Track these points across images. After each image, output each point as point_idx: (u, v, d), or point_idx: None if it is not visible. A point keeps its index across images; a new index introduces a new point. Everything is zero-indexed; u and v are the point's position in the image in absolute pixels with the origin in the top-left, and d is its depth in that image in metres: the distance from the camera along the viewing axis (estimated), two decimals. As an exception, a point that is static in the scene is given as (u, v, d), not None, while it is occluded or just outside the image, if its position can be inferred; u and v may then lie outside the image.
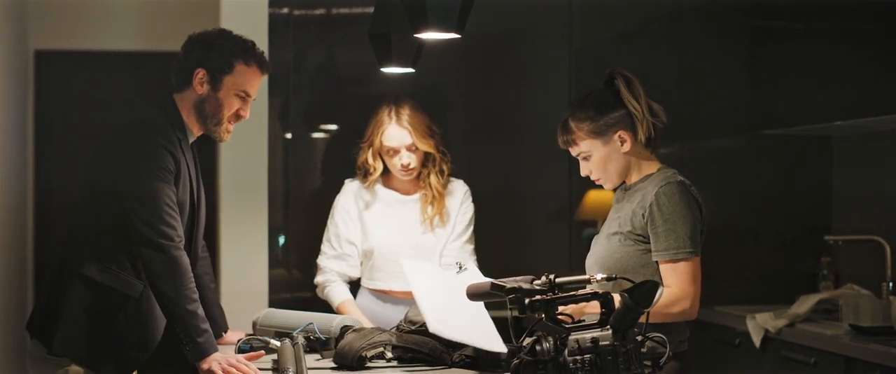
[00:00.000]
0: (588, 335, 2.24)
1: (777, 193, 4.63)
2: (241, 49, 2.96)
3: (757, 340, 3.95)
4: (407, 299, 3.67)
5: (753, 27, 4.60)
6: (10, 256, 4.90)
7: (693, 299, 2.77)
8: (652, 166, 2.92)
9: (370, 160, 3.67)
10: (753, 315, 4.01)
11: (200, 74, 2.93)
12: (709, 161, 4.65)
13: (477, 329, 2.86)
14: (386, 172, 3.71)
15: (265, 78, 3.07)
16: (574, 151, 2.93)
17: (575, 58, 4.57)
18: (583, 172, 2.95)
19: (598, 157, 2.90)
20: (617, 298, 2.28)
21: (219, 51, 2.93)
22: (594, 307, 2.36)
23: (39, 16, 5.29)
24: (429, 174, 3.66)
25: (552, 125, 4.55)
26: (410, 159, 3.61)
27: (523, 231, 4.56)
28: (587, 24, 4.59)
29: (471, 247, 3.72)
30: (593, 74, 4.50)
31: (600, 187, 2.97)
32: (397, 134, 3.60)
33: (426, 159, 3.67)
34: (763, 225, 4.64)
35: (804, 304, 3.96)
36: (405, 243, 3.65)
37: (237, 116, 2.99)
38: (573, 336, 2.26)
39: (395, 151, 3.62)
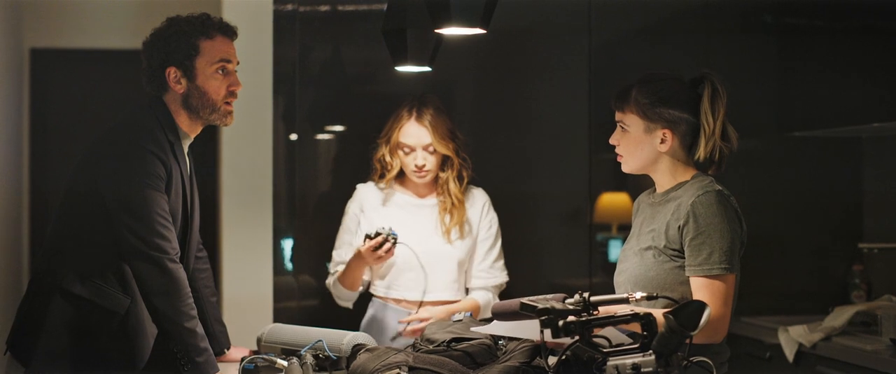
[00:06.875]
0: (628, 360, 2.08)
1: (807, 197, 4.45)
2: (197, 27, 2.80)
3: (790, 354, 3.76)
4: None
5: (782, 24, 4.42)
6: (6, 256, 4.79)
7: (722, 322, 2.57)
8: (687, 173, 2.73)
9: (387, 157, 3.50)
10: (786, 328, 3.83)
11: (171, 72, 2.78)
12: (734, 164, 4.43)
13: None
14: (401, 173, 3.52)
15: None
16: (617, 116, 2.75)
17: (594, 54, 4.39)
18: (612, 140, 2.77)
19: (633, 135, 2.71)
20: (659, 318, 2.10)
21: (177, 40, 2.77)
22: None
23: (35, 14, 5.25)
24: (447, 180, 3.47)
25: (570, 123, 4.45)
26: (426, 161, 3.43)
27: (539, 233, 4.38)
28: (607, 20, 4.40)
29: (501, 263, 3.55)
30: (613, 71, 4.39)
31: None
32: (415, 132, 3.42)
33: (444, 164, 3.49)
34: (791, 231, 4.46)
35: (840, 316, 3.76)
36: (420, 250, 3.46)
37: (231, 94, 2.82)
38: (611, 362, 2.09)
39: (411, 150, 3.44)
